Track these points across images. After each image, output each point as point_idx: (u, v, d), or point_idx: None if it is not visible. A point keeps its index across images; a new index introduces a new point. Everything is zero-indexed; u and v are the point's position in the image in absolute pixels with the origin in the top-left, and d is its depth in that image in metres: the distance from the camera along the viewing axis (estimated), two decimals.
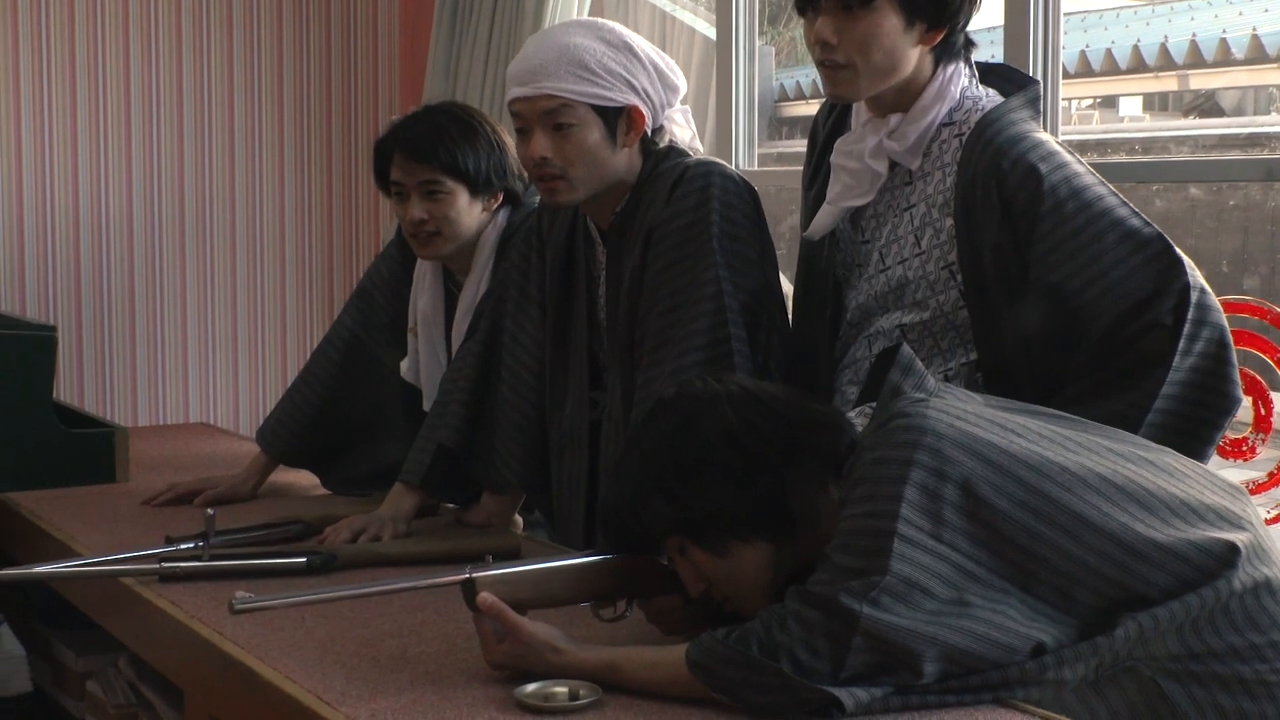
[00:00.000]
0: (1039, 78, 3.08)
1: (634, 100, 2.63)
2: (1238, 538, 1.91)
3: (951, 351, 2.43)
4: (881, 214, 2.51)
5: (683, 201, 2.60)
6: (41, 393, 3.39)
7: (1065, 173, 2.30)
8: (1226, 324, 2.28)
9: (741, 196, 2.63)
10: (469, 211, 3.03)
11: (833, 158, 2.54)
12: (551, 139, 2.61)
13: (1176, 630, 1.86)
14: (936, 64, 2.43)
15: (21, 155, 4.61)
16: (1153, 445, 2.07)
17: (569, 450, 2.83)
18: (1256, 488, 2.81)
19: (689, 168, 2.63)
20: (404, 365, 3.24)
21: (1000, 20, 3.19)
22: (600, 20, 2.72)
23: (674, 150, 2.71)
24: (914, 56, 2.39)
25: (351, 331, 3.31)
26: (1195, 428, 2.24)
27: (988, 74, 2.51)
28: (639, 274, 2.65)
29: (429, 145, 2.99)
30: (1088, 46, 7.55)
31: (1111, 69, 7.46)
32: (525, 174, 3.07)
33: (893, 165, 2.49)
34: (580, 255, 2.82)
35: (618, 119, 2.63)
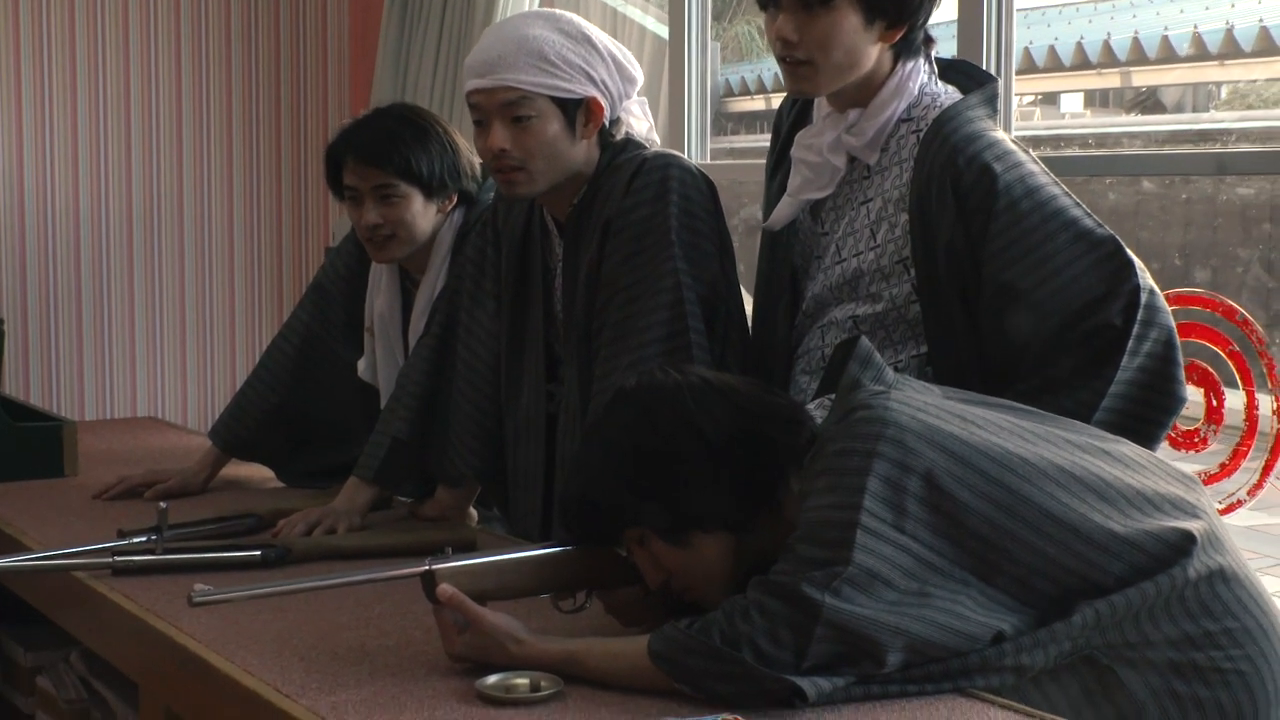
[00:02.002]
0: (991, 72, 3.10)
1: (592, 92, 2.62)
2: (1193, 526, 1.93)
3: (903, 344, 2.44)
4: (840, 207, 2.52)
5: (641, 193, 2.60)
6: None
7: (1019, 172, 2.32)
8: (1174, 325, 2.31)
9: (699, 189, 2.63)
10: (424, 214, 3.01)
11: (793, 151, 2.55)
12: (510, 131, 2.60)
13: (1133, 618, 1.88)
14: (896, 60, 2.44)
15: None
16: (1109, 436, 2.09)
17: (524, 441, 2.83)
18: (1208, 479, 2.84)
19: (647, 160, 2.63)
20: (361, 365, 3.22)
21: (954, 15, 3.21)
22: (558, 11, 2.72)
23: (631, 142, 2.71)
24: (874, 53, 2.41)
25: (307, 327, 3.29)
26: (1141, 426, 2.26)
27: (948, 70, 2.53)
28: (596, 266, 2.65)
29: (382, 149, 2.96)
30: (1031, 43, 7.61)
31: (1055, 65, 7.53)
32: (479, 173, 3.07)
33: (852, 159, 2.50)
34: (536, 247, 2.82)
35: (577, 110, 2.62)
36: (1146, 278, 2.29)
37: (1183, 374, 2.31)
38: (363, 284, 3.22)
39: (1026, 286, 2.27)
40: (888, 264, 2.43)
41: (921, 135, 2.40)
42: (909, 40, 2.43)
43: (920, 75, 2.46)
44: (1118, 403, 2.26)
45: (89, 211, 4.75)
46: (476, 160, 3.05)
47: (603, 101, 2.64)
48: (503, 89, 2.58)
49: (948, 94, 2.46)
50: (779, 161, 2.66)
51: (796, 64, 2.40)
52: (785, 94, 2.70)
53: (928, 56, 2.48)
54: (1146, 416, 2.28)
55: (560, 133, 2.61)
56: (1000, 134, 2.40)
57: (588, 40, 2.63)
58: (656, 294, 2.56)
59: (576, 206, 2.71)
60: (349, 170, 3.00)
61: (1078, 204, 2.33)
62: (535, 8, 4.19)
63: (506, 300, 2.86)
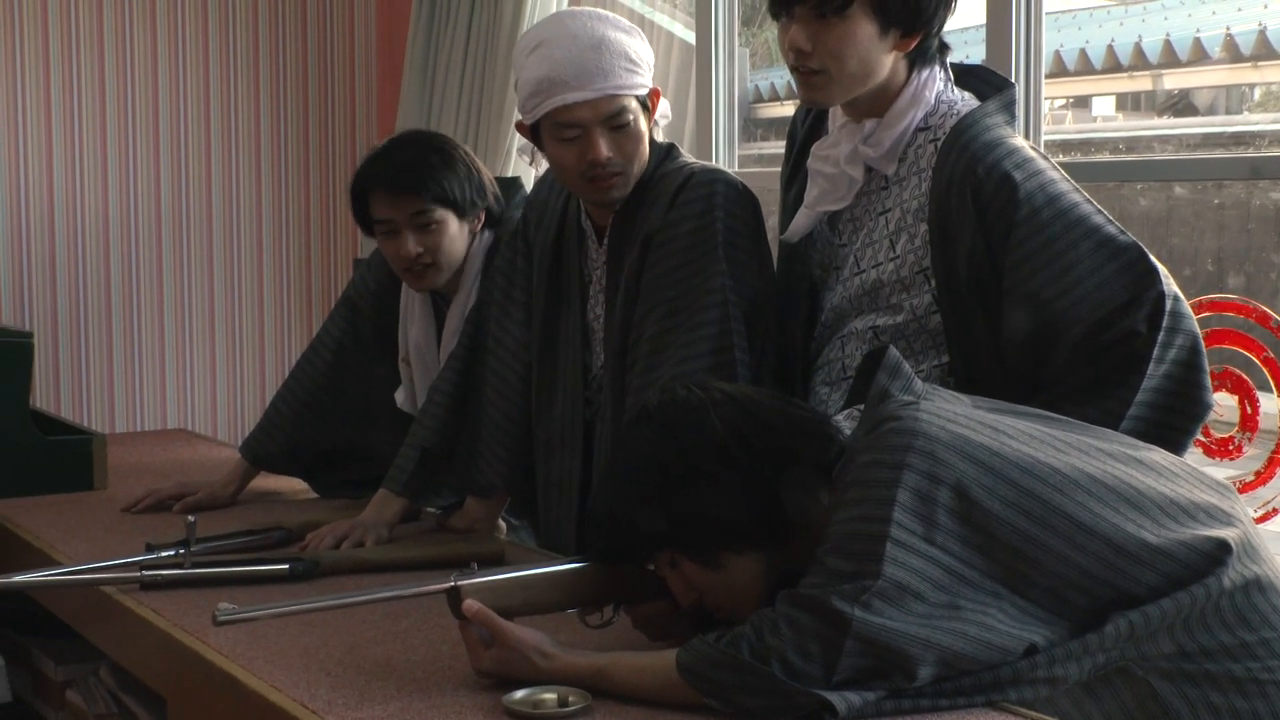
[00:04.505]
0: (1020, 77, 3.08)
1: (652, 83, 2.65)
2: (1228, 535, 1.90)
3: (924, 354, 2.42)
4: (858, 218, 2.50)
5: (687, 208, 2.59)
6: (18, 400, 3.37)
7: (1040, 180, 2.29)
8: (1199, 331, 2.29)
9: (744, 205, 2.64)
10: (459, 237, 3.00)
11: (809, 162, 2.53)
12: (611, 138, 2.59)
13: (1168, 629, 1.86)
14: (911, 68, 2.42)
15: None
16: (1141, 444, 2.06)
17: (559, 450, 2.81)
18: (1243, 486, 2.81)
19: (694, 174, 2.62)
20: (399, 396, 3.20)
21: (982, 19, 3.19)
22: (599, 10, 2.70)
23: (673, 148, 2.72)
24: (888, 62, 2.38)
25: (339, 343, 3.28)
26: (1167, 434, 2.24)
27: (965, 75, 2.50)
28: (636, 278, 2.63)
29: (415, 176, 2.94)
30: (1062, 46, 7.56)
31: (1086, 69, 7.47)
32: (499, 191, 3.05)
33: (869, 170, 2.48)
34: (572, 254, 2.81)
35: (646, 102, 2.65)
36: (1171, 284, 2.26)
37: (1209, 381, 2.28)
38: (393, 299, 3.20)
39: (1050, 296, 2.24)
40: (908, 274, 2.41)
41: (939, 144, 2.37)
42: (924, 48, 2.40)
43: (936, 83, 2.43)
44: (1144, 410, 2.23)
45: (118, 225, 4.76)
46: (491, 178, 3.05)
47: (658, 89, 2.67)
48: (606, 99, 2.57)
49: (965, 101, 2.44)
50: (794, 172, 2.64)
51: (810, 73, 2.37)
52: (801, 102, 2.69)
53: (943, 64, 2.46)
54: (1173, 424, 2.26)
55: (645, 129, 2.64)
56: (1019, 141, 2.37)
57: (638, 30, 2.65)
58: (704, 309, 2.55)
59: (620, 214, 2.69)
60: (380, 203, 2.97)
61: (1099, 210, 2.30)
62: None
63: (539, 308, 2.85)
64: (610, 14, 2.66)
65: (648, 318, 2.61)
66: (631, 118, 2.60)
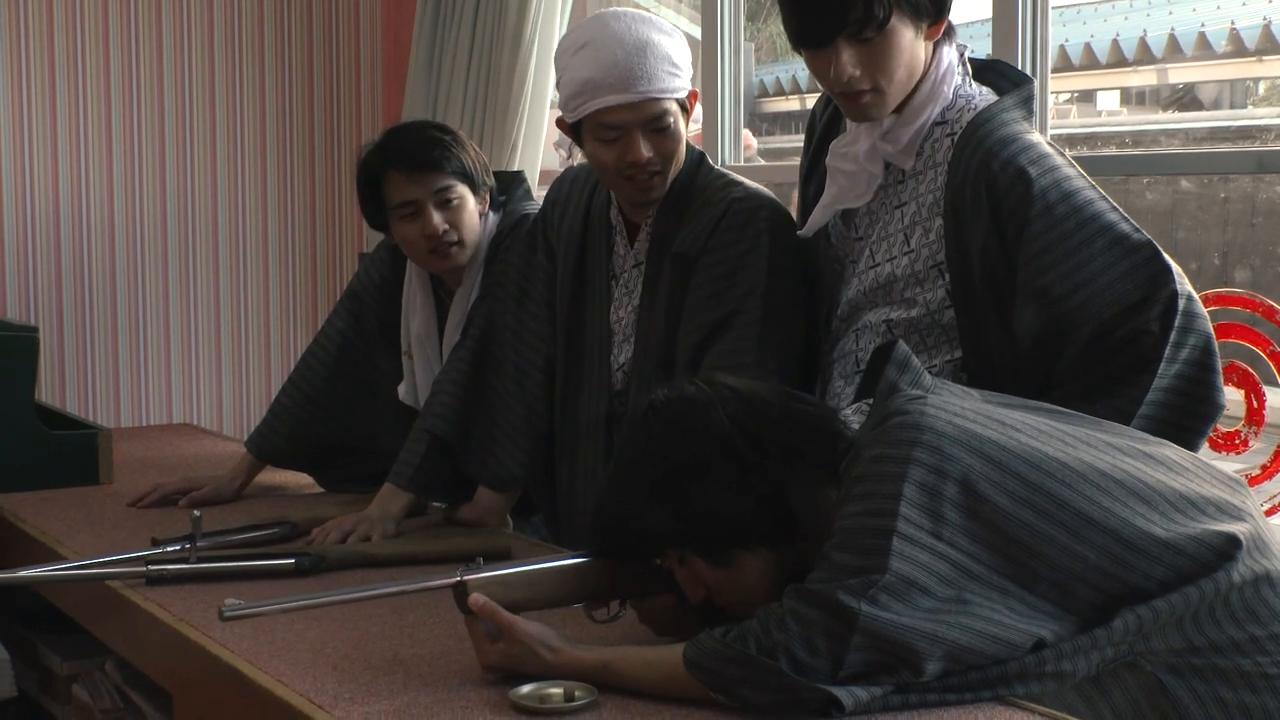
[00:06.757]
0: (1026, 71, 3.07)
1: (689, 85, 2.68)
2: (1238, 529, 1.90)
3: (937, 349, 2.42)
4: (874, 211, 2.50)
5: (729, 234, 2.63)
6: (23, 394, 3.37)
7: (1055, 176, 2.29)
8: (1212, 331, 2.27)
9: (786, 229, 2.66)
10: (475, 214, 3.02)
11: (828, 160, 2.52)
12: (651, 139, 2.62)
13: (1176, 623, 1.86)
14: (935, 49, 2.41)
15: (0, 154, 4.58)
16: (1151, 439, 2.06)
17: (585, 443, 2.83)
18: (1250, 481, 2.80)
19: (736, 199, 2.66)
20: (401, 390, 3.20)
21: (988, 14, 3.18)
22: (641, 12, 2.73)
23: (704, 158, 2.76)
24: (922, 55, 2.38)
25: (343, 335, 3.28)
26: (1179, 434, 2.22)
27: (983, 70, 2.49)
28: (676, 297, 2.66)
29: (436, 153, 2.96)
30: (1067, 41, 7.56)
31: (1091, 63, 7.47)
32: (491, 178, 3.07)
33: (887, 164, 2.47)
34: (598, 249, 2.82)
35: (686, 104, 2.68)
36: (1184, 283, 2.25)
37: (1221, 381, 2.27)
38: (396, 292, 3.20)
39: (1062, 292, 2.24)
40: (922, 269, 2.41)
41: (956, 139, 2.37)
42: (947, 29, 2.41)
43: (954, 78, 2.43)
44: (1155, 410, 2.23)
45: (124, 220, 4.76)
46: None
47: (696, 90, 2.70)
48: (649, 102, 2.60)
49: (982, 95, 2.43)
50: (813, 166, 2.63)
51: (860, 94, 2.35)
52: (819, 95, 2.68)
53: (961, 58, 2.45)
54: (1184, 424, 2.25)
55: (684, 129, 2.68)
56: (1036, 136, 2.36)
57: (679, 32, 2.67)
58: (741, 325, 2.60)
59: (657, 218, 2.73)
60: (401, 184, 2.97)
61: (1114, 208, 2.29)
62: (566, 16, 4.18)
63: (564, 303, 2.85)
64: (652, 16, 2.70)
65: (688, 338, 2.64)
66: (672, 120, 2.63)
